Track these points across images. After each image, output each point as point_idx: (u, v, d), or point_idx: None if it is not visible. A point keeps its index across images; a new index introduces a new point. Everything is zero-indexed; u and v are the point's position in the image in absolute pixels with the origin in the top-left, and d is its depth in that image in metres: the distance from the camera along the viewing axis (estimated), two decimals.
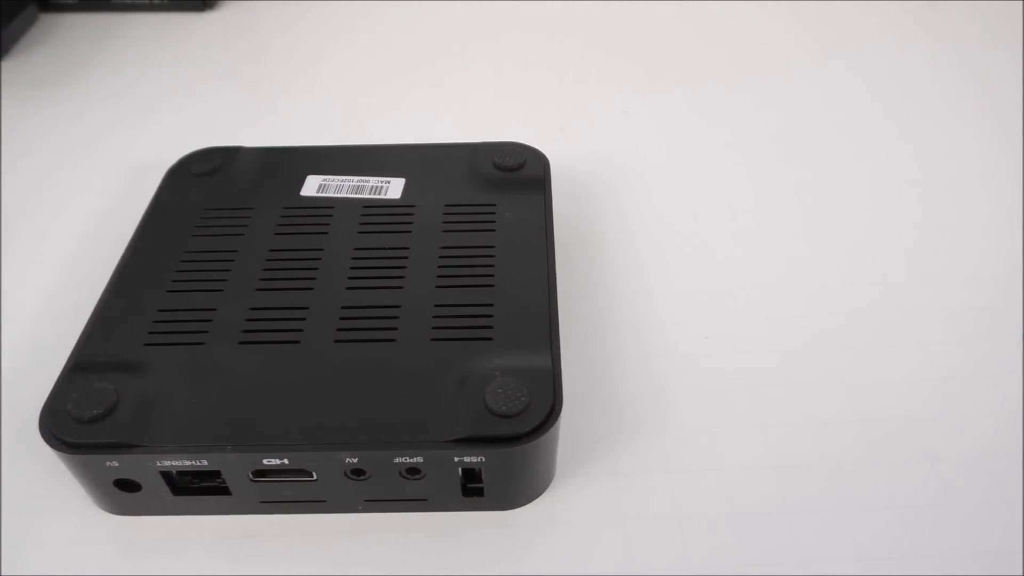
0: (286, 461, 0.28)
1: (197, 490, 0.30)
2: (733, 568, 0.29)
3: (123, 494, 0.30)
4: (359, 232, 0.36)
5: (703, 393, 0.35)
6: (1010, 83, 0.54)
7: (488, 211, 0.37)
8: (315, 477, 0.29)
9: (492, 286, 0.33)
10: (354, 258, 0.35)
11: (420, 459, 0.29)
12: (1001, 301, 0.39)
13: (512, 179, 0.39)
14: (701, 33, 0.61)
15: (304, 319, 0.32)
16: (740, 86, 0.55)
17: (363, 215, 0.37)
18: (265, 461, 0.29)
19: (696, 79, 0.56)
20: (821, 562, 0.29)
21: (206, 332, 0.32)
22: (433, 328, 0.32)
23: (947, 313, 0.38)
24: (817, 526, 0.30)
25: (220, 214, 0.38)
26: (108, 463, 0.29)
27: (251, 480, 0.30)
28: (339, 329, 0.32)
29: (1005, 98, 0.53)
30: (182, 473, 0.30)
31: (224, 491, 0.30)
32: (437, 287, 0.33)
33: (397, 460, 0.29)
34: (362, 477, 0.29)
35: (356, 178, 0.40)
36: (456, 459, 0.29)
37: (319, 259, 0.35)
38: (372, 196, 0.39)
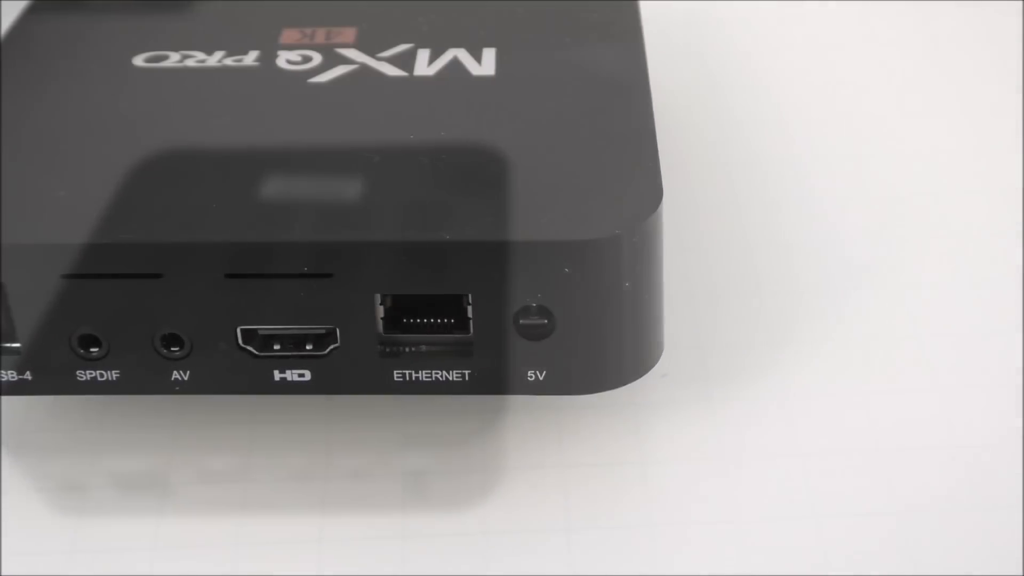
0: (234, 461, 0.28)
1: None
2: (695, 568, 0.29)
3: (68, 493, 0.30)
4: None
5: (666, 390, 0.35)
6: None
7: None
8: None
9: None
10: None
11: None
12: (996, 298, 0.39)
13: None
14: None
15: None
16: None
17: None
18: (212, 463, 0.28)
19: None
20: (786, 562, 0.29)
21: None
22: None
23: (920, 314, 0.38)
24: (786, 526, 0.30)
25: None
26: (52, 466, 0.29)
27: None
28: None
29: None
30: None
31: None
32: None
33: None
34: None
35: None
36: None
37: None
38: None
